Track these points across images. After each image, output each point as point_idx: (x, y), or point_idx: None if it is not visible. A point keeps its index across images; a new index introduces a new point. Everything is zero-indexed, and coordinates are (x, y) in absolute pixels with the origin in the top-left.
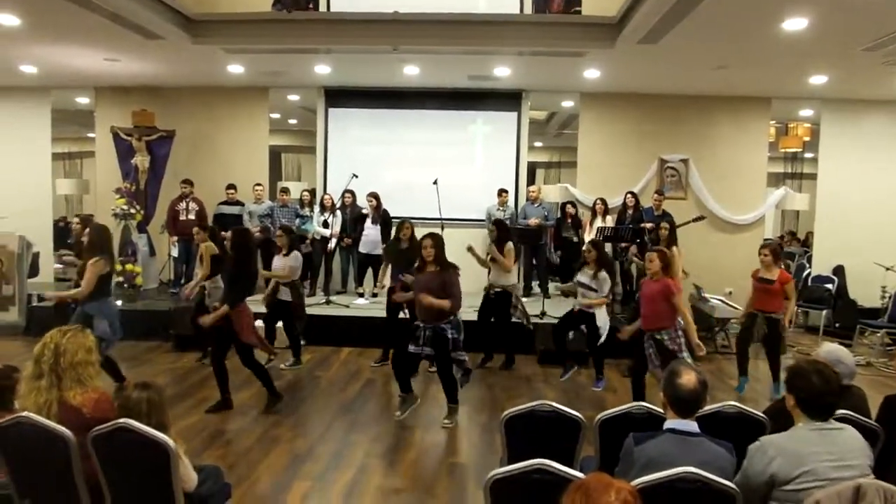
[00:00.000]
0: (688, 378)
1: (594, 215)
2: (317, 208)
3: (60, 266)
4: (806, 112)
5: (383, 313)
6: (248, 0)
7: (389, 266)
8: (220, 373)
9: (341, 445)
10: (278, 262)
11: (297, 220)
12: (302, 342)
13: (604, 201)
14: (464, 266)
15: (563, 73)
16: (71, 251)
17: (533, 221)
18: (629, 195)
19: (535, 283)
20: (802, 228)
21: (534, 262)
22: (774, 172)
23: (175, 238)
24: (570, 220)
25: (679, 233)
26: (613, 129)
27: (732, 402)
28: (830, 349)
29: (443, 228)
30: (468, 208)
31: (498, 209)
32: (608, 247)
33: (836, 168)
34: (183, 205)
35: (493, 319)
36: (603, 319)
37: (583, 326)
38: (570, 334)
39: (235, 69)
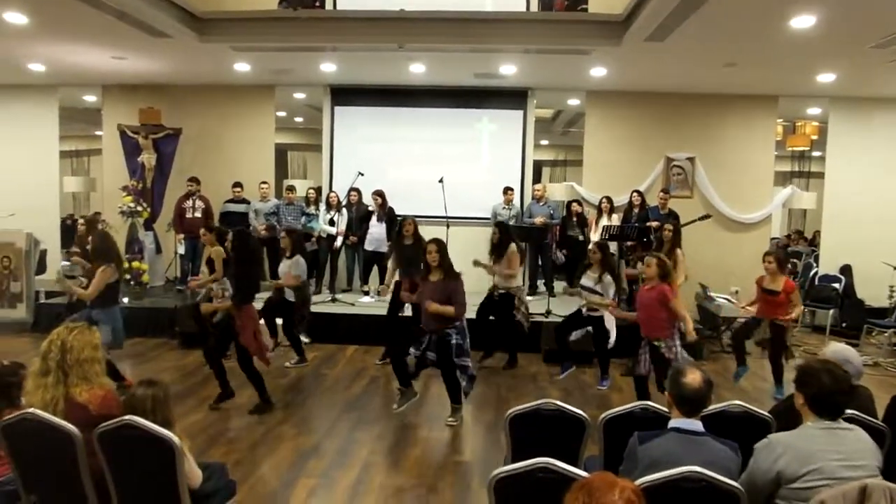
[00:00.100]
0: (693, 377)
1: (600, 214)
2: (322, 206)
3: (67, 263)
4: (814, 110)
5: (387, 311)
6: None
7: (395, 266)
8: (217, 367)
9: (346, 443)
10: (283, 266)
11: (303, 219)
12: (307, 340)
13: (609, 200)
14: (468, 267)
15: (570, 71)
16: (77, 248)
17: (538, 220)
18: (635, 194)
19: (540, 282)
20: (810, 227)
21: (539, 261)
22: (781, 171)
23: (181, 236)
24: (575, 219)
25: (685, 232)
26: (620, 127)
27: (738, 402)
28: (837, 349)
29: (448, 227)
30: (474, 206)
31: (503, 208)
32: (613, 246)
33: (843, 167)
34: (189, 203)
35: (492, 318)
36: (611, 322)
37: (589, 328)
38: (575, 334)
39: (242, 67)
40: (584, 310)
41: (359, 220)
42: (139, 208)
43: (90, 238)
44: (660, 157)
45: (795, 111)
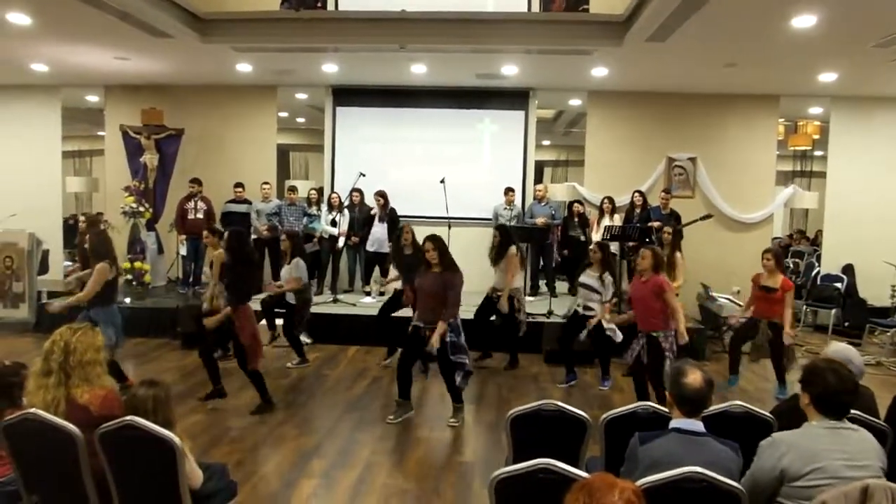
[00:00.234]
0: (693, 377)
1: (601, 214)
2: (324, 207)
3: (70, 264)
4: (815, 110)
5: (378, 311)
6: None
7: (398, 273)
8: (209, 364)
9: (347, 443)
10: (285, 272)
11: (305, 219)
12: (309, 341)
13: (611, 200)
14: (468, 266)
15: (571, 71)
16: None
17: (540, 220)
18: (637, 194)
19: (542, 283)
20: (811, 227)
21: (541, 261)
22: (783, 171)
23: (183, 236)
24: (577, 219)
25: (687, 232)
26: (621, 127)
27: (739, 402)
28: (839, 348)
29: (450, 227)
30: (475, 207)
31: (505, 208)
32: (616, 246)
33: (845, 166)
34: (191, 204)
35: (492, 319)
36: (611, 324)
37: (586, 330)
38: (582, 335)
39: (244, 68)
40: (579, 309)
41: (361, 222)
42: (141, 209)
43: (88, 237)
44: (661, 157)
45: (797, 111)
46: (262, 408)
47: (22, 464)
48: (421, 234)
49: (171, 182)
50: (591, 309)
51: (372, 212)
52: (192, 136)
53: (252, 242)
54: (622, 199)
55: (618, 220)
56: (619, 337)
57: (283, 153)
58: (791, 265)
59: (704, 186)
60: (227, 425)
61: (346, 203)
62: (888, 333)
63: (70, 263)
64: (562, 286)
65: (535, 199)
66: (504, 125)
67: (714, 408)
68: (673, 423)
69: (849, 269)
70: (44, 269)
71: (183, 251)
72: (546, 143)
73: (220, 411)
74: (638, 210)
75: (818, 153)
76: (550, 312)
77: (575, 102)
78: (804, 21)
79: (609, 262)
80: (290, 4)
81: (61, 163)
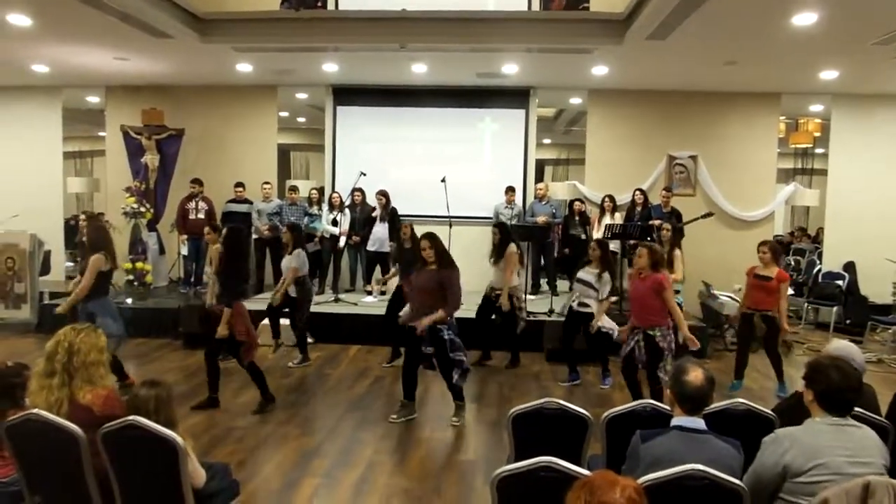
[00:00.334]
0: (695, 375)
1: (602, 212)
2: (325, 206)
3: (72, 264)
4: (816, 107)
5: (385, 311)
6: None
7: (397, 269)
8: (211, 369)
9: (349, 442)
10: (285, 262)
11: (306, 219)
12: (311, 340)
13: (612, 198)
14: (470, 265)
15: (572, 69)
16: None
17: (541, 219)
18: (638, 192)
19: (543, 281)
20: (813, 224)
21: (542, 260)
22: (784, 168)
23: (185, 237)
24: (578, 218)
25: (688, 230)
26: (622, 125)
27: (740, 400)
28: (840, 346)
29: (450, 226)
30: (476, 206)
31: (505, 207)
32: (617, 244)
33: (846, 163)
34: (192, 204)
35: (493, 317)
36: (608, 321)
37: (583, 328)
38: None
39: (244, 68)
40: (574, 304)
41: (362, 221)
42: (142, 209)
43: (86, 231)
44: (662, 155)
45: (798, 108)
46: (264, 405)
47: (25, 464)
48: (421, 233)
49: (172, 182)
50: (586, 305)
51: (374, 213)
52: (193, 137)
53: (253, 242)
54: (623, 198)
55: (619, 218)
56: (616, 334)
57: (283, 153)
58: (792, 263)
59: (705, 184)
60: (228, 425)
61: (348, 203)
62: (889, 331)
63: (72, 264)
64: (563, 285)
65: (535, 197)
66: (505, 124)
67: (715, 405)
68: (674, 421)
69: (850, 267)
70: (45, 269)
71: (184, 251)
72: (547, 141)
73: (222, 411)
74: (639, 208)
75: (819, 151)
76: (552, 311)
77: (575, 101)
78: (805, 18)
79: (608, 260)
80: (290, 4)
81: (62, 163)
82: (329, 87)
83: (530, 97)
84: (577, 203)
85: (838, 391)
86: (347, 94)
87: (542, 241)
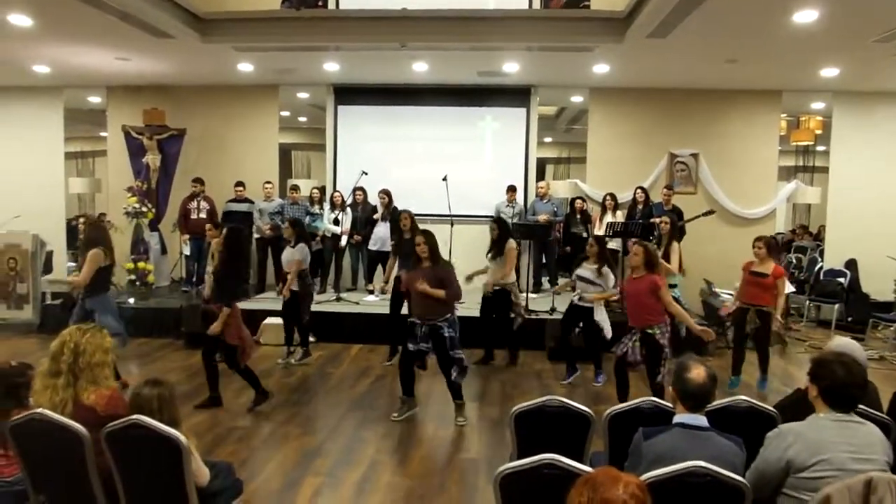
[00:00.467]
0: (697, 372)
1: (604, 211)
2: (327, 206)
3: (73, 264)
4: (817, 105)
5: (389, 308)
6: None
7: (396, 260)
8: (209, 369)
9: (352, 441)
10: (287, 254)
11: (308, 218)
12: (312, 339)
13: (613, 196)
14: (472, 263)
15: (572, 68)
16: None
17: (542, 217)
18: (639, 190)
19: (544, 279)
20: (814, 222)
21: (543, 258)
22: (786, 166)
23: (186, 236)
24: (579, 216)
25: (689, 227)
26: (623, 123)
27: (743, 397)
28: (841, 343)
29: (452, 225)
30: (477, 205)
31: (507, 206)
32: (618, 242)
33: (848, 161)
34: (194, 204)
35: (494, 316)
36: (602, 315)
37: (581, 323)
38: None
39: (245, 67)
40: (575, 299)
41: (364, 220)
42: (144, 209)
43: (85, 230)
44: (663, 153)
45: (799, 106)
46: (258, 400)
47: (29, 463)
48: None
49: (174, 182)
50: (591, 302)
51: (375, 215)
52: (194, 136)
53: (255, 242)
54: (624, 196)
55: (620, 216)
56: (608, 332)
57: (284, 152)
58: (794, 260)
59: (707, 182)
60: (231, 424)
61: (350, 202)
62: (891, 328)
63: (73, 264)
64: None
65: (537, 196)
66: (506, 122)
67: (718, 402)
68: (677, 419)
69: (852, 264)
70: (47, 270)
71: (186, 251)
72: (548, 140)
73: (225, 411)
74: (640, 206)
75: (820, 148)
76: (553, 309)
77: (576, 99)
78: (805, 16)
79: (605, 256)
80: (291, 3)
81: (64, 164)
82: (330, 86)
83: (531, 95)
84: (578, 201)
85: (843, 387)
86: (348, 94)
87: (543, 239)
